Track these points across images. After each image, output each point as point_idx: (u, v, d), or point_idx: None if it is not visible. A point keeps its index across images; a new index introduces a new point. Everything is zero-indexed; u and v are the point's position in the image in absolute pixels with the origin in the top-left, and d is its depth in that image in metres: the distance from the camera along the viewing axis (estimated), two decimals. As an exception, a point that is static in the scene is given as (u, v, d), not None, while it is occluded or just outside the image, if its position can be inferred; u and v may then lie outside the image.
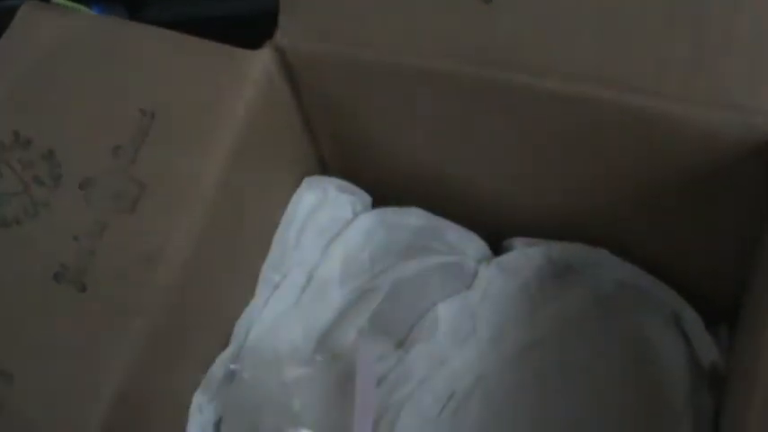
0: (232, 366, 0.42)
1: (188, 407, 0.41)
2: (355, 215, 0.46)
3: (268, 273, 0.44)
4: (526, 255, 0.44)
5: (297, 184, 0.46)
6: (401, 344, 0.43)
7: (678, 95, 0.35)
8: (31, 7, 0.43)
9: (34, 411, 0.36)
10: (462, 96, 0.38)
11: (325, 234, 0.46)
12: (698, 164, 0.37)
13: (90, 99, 0.40)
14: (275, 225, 0.45)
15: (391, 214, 0.46)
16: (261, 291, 0.44)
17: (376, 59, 0.39)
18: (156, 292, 0.37)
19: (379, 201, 0.47)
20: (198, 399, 0.41)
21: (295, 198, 0.45)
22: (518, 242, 0.45)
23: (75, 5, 0.51)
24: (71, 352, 0.36)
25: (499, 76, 0.37)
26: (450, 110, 0.40)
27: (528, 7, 0.37)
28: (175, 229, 0.38)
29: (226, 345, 0.42)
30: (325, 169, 0.48)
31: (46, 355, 0.36)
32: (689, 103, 0.35)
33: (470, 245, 0.45)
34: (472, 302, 0.44)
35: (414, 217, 0.46)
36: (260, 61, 0.40)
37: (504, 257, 0.45)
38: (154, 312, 0.37)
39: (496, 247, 0.46)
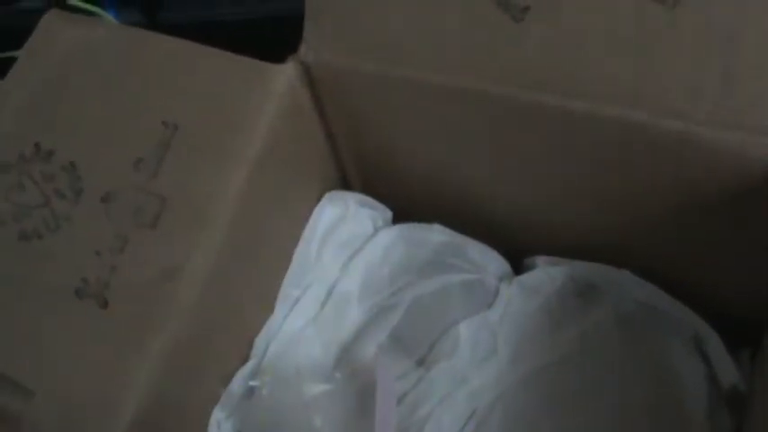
0: (251, 383, 0.42)
1: (206, 423, 0.40)
2: (376, 230, 0.46)
3: (288, 288, 0.43)
4: (548, 274, 0.44)
5: (318, 199, 0.45)
6: (422, 361, 0.43)
7: (709, 119, 0.34)
8: (53, 17, 0.43)
9: (53, 427, 0.36)
10: (490, 115, 0.38)
11: (346, 249, 0.45)
12: (726, 187, 0.36)
13: (111, 110, 0.40)
14: (296, 240, 0.44)
15: (412, 230, 0.46)
16: (280, 306, 0.43)
17: (403, 76, 0.38)
18: (176, 309, 0.36)
19: (400, 216, 0.47)
20: (216, 415, 0.40)
21: (316, 213, 0.45)
22: (540, 261, 0.45)
23: (93, 8, 0.51)
24: (91, 368, 0.36)
25: (529, 96, 0.36)
26: (478, 128, 0.39)
27: (559, 26, 0.36)
28: (196, 244, 0.37)
29: (246, 360, 0.42)
30: (346, 184, 0.48)
31: (66, 370, 0.36)
32: (719, 127, 0.34)
33: (492, 263, 0.45)
34: (493, 321, 0.43)
35: (435, 233, 0.45)
36: (284, 75, 0.40)
37: (526, 276, 0.44)
38: (174, 329, 0.36)
39: (518, 265, 0.46)
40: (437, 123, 0.40)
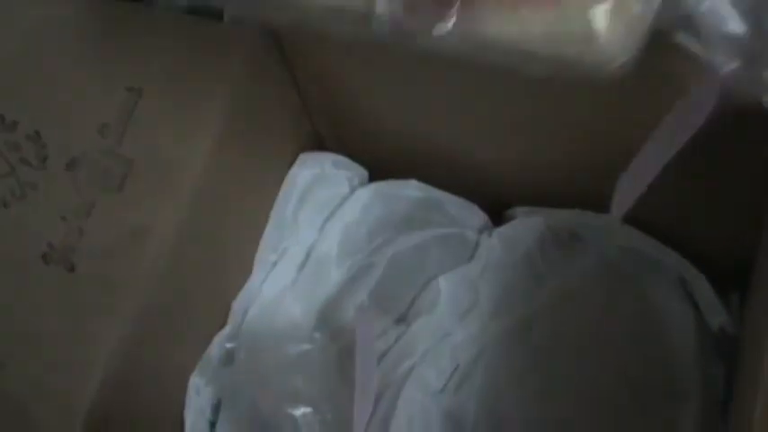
0: (228, 345, 0.41)
1: (185, 387, 0.40)
2: (352, 190, 0.45)
3: (265, 252, 0.43)
4: (527, 224, 0.43)
5: (292, 162, 0.45)
6: (402, 318, 0.42)
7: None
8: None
9: (24, 394, 0.36)
10: (464, 76, 0.37)
11: (323, 211, 0.45)
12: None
13: (76, 79, 0.40)
14: (271, 203, 0.44)
15: (388, 187, 0.45)
16: (258, 270, 0.43)
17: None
18: (143, 269, 0.36)
19: (376, 176, 0.46)
20: (195, 381, 0.40)
21: (290, 175, 0.44)
22: (519, 212, 0.44)
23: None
24: (60, 333, 0.36)
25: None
26: (451, 87, 0.39)
27: None
28: (164, 205, 0.37)
29: (224, 325, 0.42)
30: (320, 145, 0.47)
31: (35, 337, 0.36)
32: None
33: (470, 216, 0.44)
34: (473, 274, 0.42)
35: (411, 189, 0.45)
36: (251, 37, 0.39)
37: (505, 228, 0.44)
38: (142, 289, 0.36)
39: (499, 219, 0.45)
40: (409, 84, 0.40)
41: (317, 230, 0.44)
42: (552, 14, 0.28)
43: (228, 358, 0.41)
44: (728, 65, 0.28)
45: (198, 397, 0.40)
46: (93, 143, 0.38)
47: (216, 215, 0.40)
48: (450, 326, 0.41)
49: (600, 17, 0.28)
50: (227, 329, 0.41)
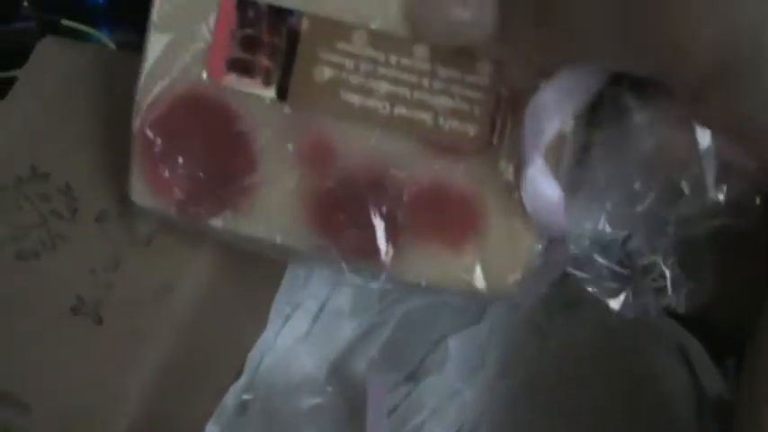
0: (244, 396, 0.42)
1: (201, 438, 0.41)
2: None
3: (280, 304, 0.44)
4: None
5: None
6: (412, 376, 0.44)
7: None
8: (49, 42, 0.44)
9: (50, 441, 0.37)
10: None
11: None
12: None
13: (106, 133, 0.41)
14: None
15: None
16: (273, 321, 0.44)
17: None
18: (170, 325, 0.37)
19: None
20: (210, 429, 0.41)
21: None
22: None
23: (87, 28, 0.52)
24: (87, 383, 0.37)
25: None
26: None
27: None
28: (190, 261, 0.38)
29: (239, 375, 0.43)
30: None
31: (62, 386, 0.37)
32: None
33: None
34: (481, 335, 0.44)
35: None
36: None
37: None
38: (168, 344, 0.37)
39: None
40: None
41: (330, 286, 0.46)
42: (463, 257, 0.33)
43: (243, 408, 0.43)
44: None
45: (213, 445, 0.41)
46: (122, 198, 0.39)
47: (239, 269, 0.41)
48: (458, 385, 0.43)
49: (511, 271, 0.33)
50: (242, 380, 0.42)
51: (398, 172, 0.32)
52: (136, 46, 0.57)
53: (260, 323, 0.44)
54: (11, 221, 0.39)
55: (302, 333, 0.45)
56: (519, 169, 0.30)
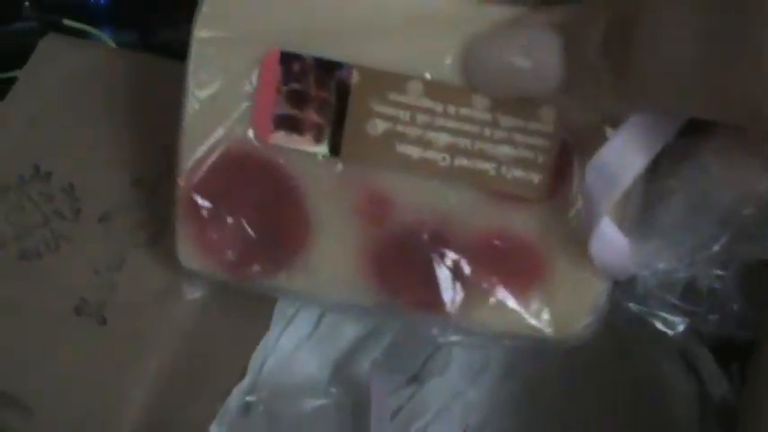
0: (248, 398, 0.42)
1: (204, 439, 0.41)
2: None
3: (283, 305, 0.44)
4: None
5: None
6: (415, 377, 0.44)
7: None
8: (51, 40, 0.44)
9: (52, 444, 0.37)
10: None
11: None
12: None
13: (109, 132, 0.41)
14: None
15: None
16: (276, 323, 0.44)
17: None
18: (173, 326, 0.37)
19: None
20: (213, 431, 0.41)
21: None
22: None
23: (89, 28, 0.52)
24: (90, 385, 0.37)
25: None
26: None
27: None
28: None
29: (242, 377, 0.42)
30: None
31: (65, 387, 0.37)
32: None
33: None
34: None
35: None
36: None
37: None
38: (171, 345, 0.37)
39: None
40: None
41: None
42: (528, 304, 0.33)
43: (246, 410, 0.42)
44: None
45: (216, 446, 0.41)
46: (126, 198, 0.39)
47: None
48: (461, 386, 0.43)
49: (581, 317, 0.33)
50: (245, 382, 0.42)
51: (459, 222, 0.32)
52: (137, 46, 0.57)
53: (263, 324, 0.44)
54: (13, 221, 0.39)
55: (305, 334, 0.45)
56: (585, 219, 0.30)
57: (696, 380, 0.42)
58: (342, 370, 0.44)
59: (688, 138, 0.28)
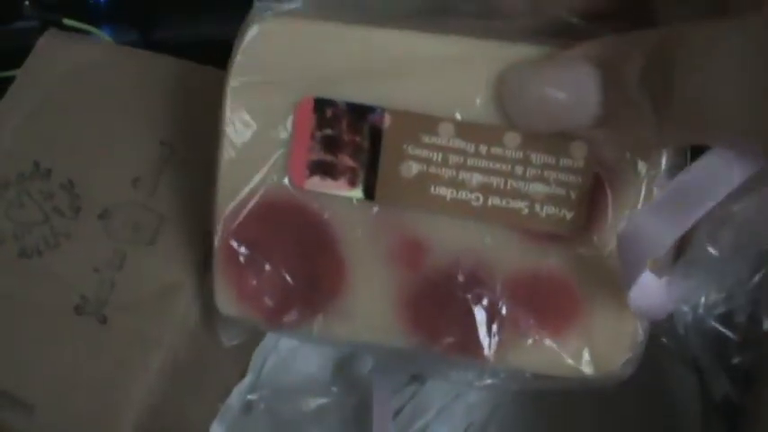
0: (249, 397, 0.42)
1: (205, 438, 0.41)
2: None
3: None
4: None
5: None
6: (417, 376, 0.43)
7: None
8: (51, 37, 0.43)
9: (52, 441, 0.36)
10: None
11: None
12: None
13: (109, 129, 0.40)
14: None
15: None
16: (277, 321, 0.44)
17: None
18: (174, 324, 0.37)
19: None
20: (215, 429, 0.41)
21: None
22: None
23: (89, 27, 0.52)
24: (91, 384, 0.37)
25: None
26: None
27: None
28: (193, 262, 0.38)
29: (243, 375, 0.42)
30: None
31: (66, 386, 0.37)
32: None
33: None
34: (489, 335, 0.44)
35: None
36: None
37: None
38: (172, 344, 0.37)
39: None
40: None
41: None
42: (567, 345, 0.32)
43: (248, 408, 0.42)
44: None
45: (217, 445, 0.41)
46: (126, 196, 0.39)
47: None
48: (463, 387, 0.43)
49: (619, 358, 0.32)
50: (246, 380, 0.42)
51: (494, 262, 0.31)
52: (137, 45, 0.57)
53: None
54: (13, 218, 0.39)
55: (306, 332, 0.44)
56: (622, 275, 0.29)
57: (698, 376, 0.42)
58: (343, 369, 0.44)
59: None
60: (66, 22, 0.53)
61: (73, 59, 0.42)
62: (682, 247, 0.30)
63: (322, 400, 0.42)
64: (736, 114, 0.24)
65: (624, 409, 0.42)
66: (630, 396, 0.42)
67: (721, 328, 0.33)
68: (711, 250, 0.29)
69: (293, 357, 0.43)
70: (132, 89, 0.41)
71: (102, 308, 0.37)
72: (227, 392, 0.42)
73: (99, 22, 0.57)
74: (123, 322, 0.37)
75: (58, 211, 0.39)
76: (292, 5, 0.32)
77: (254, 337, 0.39)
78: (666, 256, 0.30)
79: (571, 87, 0.27)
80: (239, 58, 0.32)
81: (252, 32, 0.32)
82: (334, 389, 0.43)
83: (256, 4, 0.32)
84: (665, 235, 0.27)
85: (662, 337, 0.33)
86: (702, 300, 0.31)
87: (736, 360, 0.33)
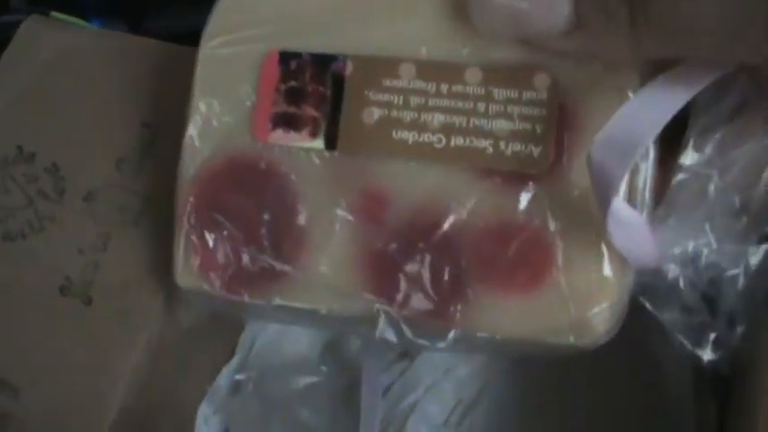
0: (238, 377, 0.42)
1: (194, 419, 0.41)
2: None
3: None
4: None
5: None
6: (406, 353, 0.43)
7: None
8: (34, 22, 0.43)
9: (39, 425, 0.36)
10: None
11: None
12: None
13: (93, 112, 0.40)
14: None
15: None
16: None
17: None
18: (158, 304, 0.37)
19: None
20: (204, 410, 0.41)
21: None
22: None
23: (75, 20, 0.52)
24: (77, 365, 0.37)
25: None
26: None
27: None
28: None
29: (232, 356, 0.42)
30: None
31: (52, 368, 0.37)
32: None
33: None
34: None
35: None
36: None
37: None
38: (158, 325, 0.37)
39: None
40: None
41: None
42: (541, 302, 0.29)
43: (236, 388, 0.42)
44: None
45: (206, 426, 0.41)
46: (110, 178, 0.39)
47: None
48: (453, 361, 0.42)
49: (601, 315, 0.29)
50: (234, 360, 0.42)
51: (460, 213, 0.30)
52: (125, 35, 0.57)
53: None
54: (-3, 203, 0.39)
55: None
56: (596, 197, 0.27)
57: (691, 351, 0.42)
58: (332, 347, 0.44)
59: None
60: (54, 14, 0.53)
61: (55, 44, 0.42)
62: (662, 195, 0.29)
63: (311, 379, 0.42)
64: (714, 25, 0.23)
65: (615, 385, 0.42)
66: (622, 371, 0.42)
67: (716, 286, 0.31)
68: (688, 197, 0.28)
69: (282, 337, 0.43)
70: (115, 72, 0.41)
71: (88, 289, 0.37)
72: (216, 373, 0.42)
73: (87, 15, 0.57)
74: (108, 303, 0.37)
75: (42, 195, 0.39)
76: None
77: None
78: (647, 199, 0.29)
79: None
80: (210, 24, 0.32)
81: (221, 1, 0.32)
82: (324, 368, 0.43)
83: None
84: (643, 135, 0.26)
85: (647, 302, 0.31)
86: (686, 249, 0.29)
87: (723, 328, 0.32)
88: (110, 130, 0.40)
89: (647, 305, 0.31)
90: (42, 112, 0.41)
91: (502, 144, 0.29)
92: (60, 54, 0.42)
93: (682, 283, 0.30)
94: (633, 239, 0.28)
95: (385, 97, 0.30)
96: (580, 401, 0.42)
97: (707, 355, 0.32)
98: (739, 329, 0.30)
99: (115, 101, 0.40)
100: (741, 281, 0.29)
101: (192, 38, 0.42)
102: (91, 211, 0.38)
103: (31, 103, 0.41)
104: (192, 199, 0.33)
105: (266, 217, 0.32)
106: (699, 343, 0.31)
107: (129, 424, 0.37)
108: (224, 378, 0.42)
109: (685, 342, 0.31)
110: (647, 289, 0.30)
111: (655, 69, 0.27)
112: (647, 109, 0.26)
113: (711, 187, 0.28)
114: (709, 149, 0.28)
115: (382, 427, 0.41)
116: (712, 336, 0.31)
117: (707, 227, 0.28)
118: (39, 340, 0.37)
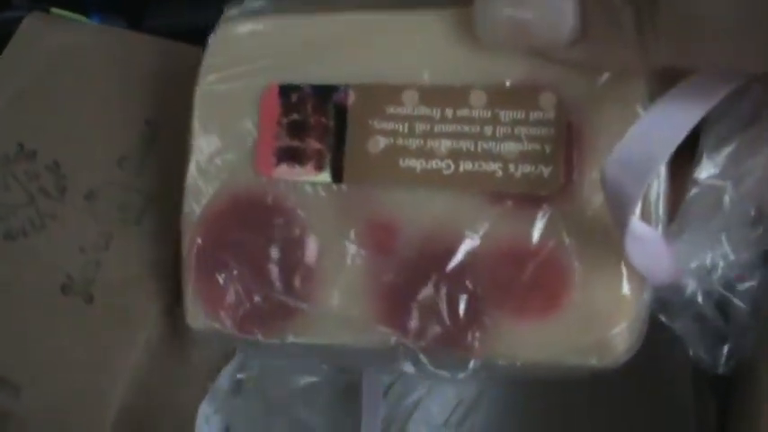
0: (239, 376, 0.42)
1: (194, 418, 0.41)
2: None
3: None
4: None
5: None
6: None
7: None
8: (35, 18, 0.43)
9: (40, 423, 0.36)
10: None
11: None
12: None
13: (94, 110, 0.40)
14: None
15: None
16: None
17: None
18: (159, 302, 0.37)
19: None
20: (204, 409, 0.41)
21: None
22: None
23: (76, 16, 0.52)
24: (77, 363, 0.36)
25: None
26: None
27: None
28: (180, 239, 0.38)
29: (233, 355, 0.42)
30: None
31: (52, 366, 0.37)
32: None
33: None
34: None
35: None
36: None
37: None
38: (159, 323, 0.37)
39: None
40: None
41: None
42: (561, 325, 0.29)
43: (237, 388, 0.42)
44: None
45: (207, 425, 0.41)
46: (112, 176, 0.39)
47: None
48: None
49: (621, 335, 0.28)
50: (235, 360, 0.42)
51: (473, 239, 0.29)
52: (126, 32, 0.56)
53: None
54: (-2, 200, 0.39)
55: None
56: (613, 218, 0.26)
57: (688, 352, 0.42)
58: (333, 347, 0.44)
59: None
60: (54, 11, 0.53)
61: (57, 41, 0.42)
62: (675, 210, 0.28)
63: (312, 379, 0.42)
64: (726, 32, 0.23)
65: (617, 385, 0.42)
66: (620, 378, 0.42)
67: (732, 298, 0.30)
68: (703, 211, 0.28)
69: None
70: (117, 69, 0.41)
71: (89, 287, 0.37)
72: (216, 372, 0.41)
73: (88, 12, 0.56)
74: (110, 302, 0.37)
75: (43, 192, 0.39)
76: (256, 4, 0.32)
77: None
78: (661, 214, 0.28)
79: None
80: (205, 59, 0.32)
81: (216, 35, 0.32)
82: (324, 367, 0.43)
83: (225, 11, 0.33)
84: (656, 156, 0.25)
85: (662, 315, 0.30)
86: (703, 263, 0.28)
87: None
88: (111, 128, 0.40)
89: (662, 317, 0.30)
90: (43, 110, 0.40)
91: (511, 167, 0.29)
92: (61, 51, 0.42)
93: (700, 298, 0.29)
94: (651, 256, 0.27)
95: (390, 125, 0.30)
96: (580, 402, 0.42)
97: (721, 367, 0.31)
98: (751, 338, 0.30)
99: (117, 98, 0.40)
100: (757, 290, 0.29)
101: (191, 35, 0.42)
102: (92, 209, 0.38)
103: (32, 101, 0.41)
104: (198, 240, 0.32)
105: (275, 254, 0.31)
106: (713, 352, 0.30)
107: (129, 422, 0.36)
108: (225, 377, 0.41)
109: (699, 351, 0.30)
110: (663, 304, 0.30)
111: (663, 80, 0.27)
112: (661, 126, 0.25)
113: (726, 198, 0.27)
114: (722, 160, 0.27)
115: (383, 427, 0.41)
116: (726, 347, 0.30)
117: (723, 238, 0.28)
118: (39, 338, 0.37)
